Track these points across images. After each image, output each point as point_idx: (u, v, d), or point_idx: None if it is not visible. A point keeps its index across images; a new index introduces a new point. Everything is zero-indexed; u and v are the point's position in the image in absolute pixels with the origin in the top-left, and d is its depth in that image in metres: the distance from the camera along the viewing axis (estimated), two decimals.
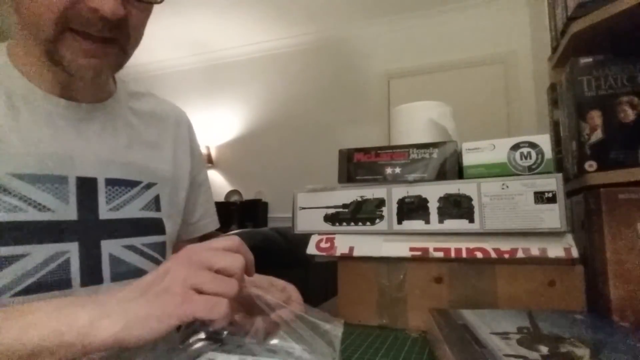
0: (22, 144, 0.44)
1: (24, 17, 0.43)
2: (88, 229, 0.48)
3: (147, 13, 0.48)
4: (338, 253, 0.61)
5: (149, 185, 0.56)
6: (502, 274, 0.54)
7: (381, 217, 0.61)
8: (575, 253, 0.51)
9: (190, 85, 3.96)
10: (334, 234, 0.64)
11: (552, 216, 0.52)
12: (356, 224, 0.63)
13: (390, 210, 0.61)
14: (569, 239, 0.53)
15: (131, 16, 0.45)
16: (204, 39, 3.58)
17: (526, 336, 0.40)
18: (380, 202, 0.62)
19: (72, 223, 0.47)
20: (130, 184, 0.53)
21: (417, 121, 0.73)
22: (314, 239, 0.64)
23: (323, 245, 0.63)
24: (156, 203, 0.57)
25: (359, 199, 0.63)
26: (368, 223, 0.62)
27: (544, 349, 0.36)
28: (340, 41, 3.44)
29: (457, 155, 0.61)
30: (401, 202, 0.60)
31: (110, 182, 0.51)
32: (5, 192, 0.42)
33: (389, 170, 0.63)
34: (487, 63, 2.93)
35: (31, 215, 0.43)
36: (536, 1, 2.50)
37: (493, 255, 0.54)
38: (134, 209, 0.53)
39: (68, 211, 0.46)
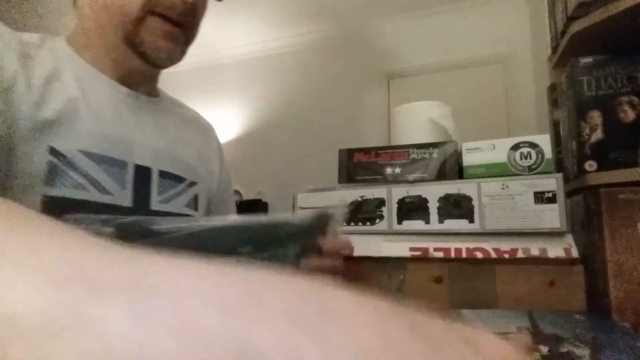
0: (91, 123, 0.46)
1: (109, 2, 0.46)
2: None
3: (206, 8, 0.53)
4: None
5: (191, 184, 0.58)
6: (502, 274, 0.54)
7: (381, 217, 0.61)
8: (575, 253, 0.51)
9: (190, 85, 3.96)
10: None
11: (552, 216, 0.52)
12: (356, 224, 0.62)
13: (390, 210, 0.61)
14: (569, 239, 0.53)
15: (199, 6, 0.50)
16: (204, 39, 3.57)
17: None
18: (380, 202, 0.62)
19: (127, 209, 0.47)
20: (178, 179, 0.55)
21: (417, 121, 0.73)
22: None
23: None
24: (195, 202, 0.58)
25: (359, 199, 0.63)
26: (368, 223, 0.62)
27: (544, 349, 0.36)
28: (340, 41, 3.44)
29: (457, 155, 0.61)
30: (401, 202, 0.60)
31: (162, 175, 0.53)
32: (72, 168, 0.43)
33: (389, 170, 0.63)
34: (487, 63, 2.93)
35: (93, 195, 0.44)
36: (536, 1, 2.50)
37: (493, 255, 0.54)
38: (179, 204, 0.54)
39: (124, 196, 0.47)
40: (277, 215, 0.35)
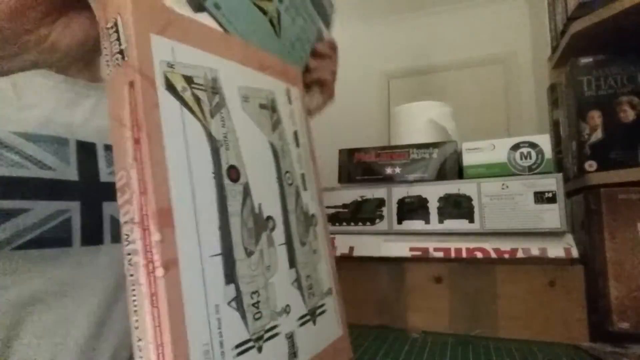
0: (26, 108, 0.46)
1: None
2: (89, 190, 0.48)
3: None
4: (338, 253, 0.61)
5: None
6: (502, 274, 0.54)
7: (381, 217, 0.61)
8: (575, 253, 0.51)
9: None
10: (334, 234, 0.64)
11: (552, 216, 0.52)
12: (356, 224, 0.63)
13: (390, 210, 0.61)
14: (569, 239, 0.53)
15: None
16: None
17: None
18: (380, 202, 0.62)
19: (74, 183, 0.47)
20: None
21: (417, 121, 0.73)
22: None
23: None
24: None
25: (359, 199, 0.63)
26: (368, 223, 0.62)
27: None
28: (339, 41, 3.44)
29: (457, 155, 0.61)
30: (401, 202, 0.60)
31: (109, 148, 0.52)
32: (7, 149, 0.43)
33: (389, 170, 0.63)
34: (487, 63, 2.93)
35: (32, 172, 0.44)
36: (536, 1, 2.50)
37: (493, 255, 0.54)
38: None
39: (69, 171, 0.47)
40: None
